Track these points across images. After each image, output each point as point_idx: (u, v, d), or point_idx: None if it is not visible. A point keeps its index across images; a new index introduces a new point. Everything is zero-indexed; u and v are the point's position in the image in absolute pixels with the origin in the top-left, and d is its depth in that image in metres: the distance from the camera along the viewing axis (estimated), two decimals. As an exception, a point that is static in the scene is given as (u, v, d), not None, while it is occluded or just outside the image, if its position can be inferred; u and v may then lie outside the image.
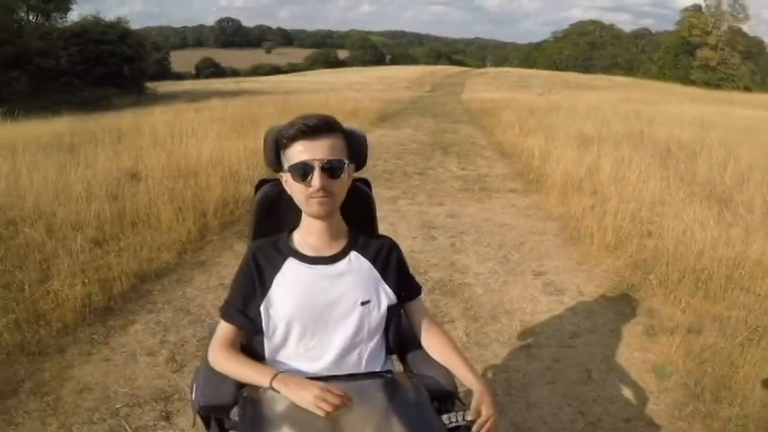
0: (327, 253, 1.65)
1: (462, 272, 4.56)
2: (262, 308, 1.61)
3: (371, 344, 1.63)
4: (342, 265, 1.65)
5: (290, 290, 1.61)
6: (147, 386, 3.00)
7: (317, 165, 1.52)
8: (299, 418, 1.37)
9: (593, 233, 5.12)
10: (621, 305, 3.99)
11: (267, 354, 1.63)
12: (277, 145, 1.65)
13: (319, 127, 1.54)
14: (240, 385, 1.52)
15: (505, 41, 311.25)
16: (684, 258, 4.41)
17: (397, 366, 1.81)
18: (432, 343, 1.69)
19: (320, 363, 1.59)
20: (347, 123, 1.73)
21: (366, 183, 1.97)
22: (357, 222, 1.79)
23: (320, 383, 1.41)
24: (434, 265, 4.63)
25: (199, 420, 1.56)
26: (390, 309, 1.66)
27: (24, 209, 5.50)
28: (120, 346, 3.40)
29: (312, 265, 1.63)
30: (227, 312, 1.66)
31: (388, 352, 1.71)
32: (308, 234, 1.67)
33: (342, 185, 1.60)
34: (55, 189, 6.07)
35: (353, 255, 1.67)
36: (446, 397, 1.58)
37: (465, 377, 1.58)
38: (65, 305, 3.65)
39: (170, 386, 3.00)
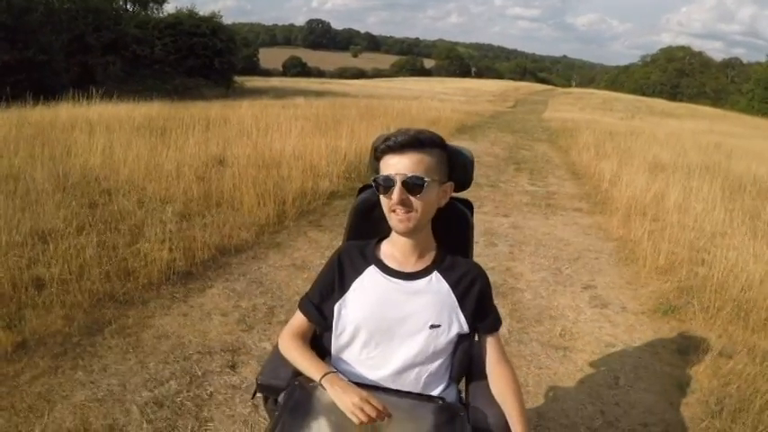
0: (409, 269, 1.72)
1: (516, 278, 4.98)
2: (336, 307, 1.72)
3: (432, 367, 1.67)
4: (421, 283, 1.70)
5: (364, 297, 1.71)
6: (218, 340, 3.59)
7: (398, 179, 1.59)
8: (335, 420, 1.47)
9: (646, 256, 5.38)
10: (660, 324, 4.27)
11: (333, 352, 1.75)
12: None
13: (407, 143, 1.60)
14: (298, 373, 1.66)
15: (593, 62, 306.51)
16: (731, 288, 4.60)
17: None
18: (495, 382, 1.68)
19: (379, 373, 1.67)
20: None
21: (468, 204, 2.03)
22: (450, 242, 1.84)
23: (363, 392, 1.49)
24: (490, 269, 5.01)
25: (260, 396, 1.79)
26: (460, 337, 1.70)
27: (118, 181, 6.44)
28: (198, 305, 4.05)
29: (391, 278, 1.71)
30: (303, 304, 1.80)
31: (451, 378, 1.74)
32: (394, 246, 1.76)
33: (425, 203, 1.63)
34: (146, 166, 6.99)
35: (435, 276, 1.71)
36: None
37: (514, 427, 1.57)
38: (152, 265, 4.37)
39: (238, 342, 3.59)
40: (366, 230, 1.91)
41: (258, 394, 1.76)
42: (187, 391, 3.04)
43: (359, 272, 1.75)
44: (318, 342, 1.80)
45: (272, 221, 5.83)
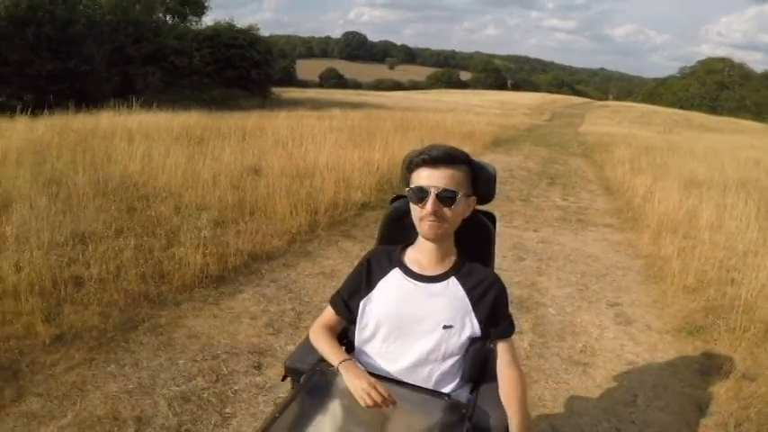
0: (429, 273, 1.89)
1: (541, 293, 5.04)
2: (362, 303, 1.91)
3: (444, 366, 1.82)
4: (438, 286, 1.87)
5: (387, 296, 1.89)
6: (246, 342, 3.78)
7: (432, 191, 1.75)
8: (347, 403, 1.66)
9: (675, 274, 5.38)
10: (684, 344, 4.27)
11: (356, 344, 1.93)
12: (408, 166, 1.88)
13: (441, 158, 1.77)
14: (323, 360, 1.84)
15: (631, 74, 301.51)
16: (760, 309, 4.57)
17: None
18: (503, 386, 1.80)
19: (395, 366, 1.84)
20: (462, 146, 2.13)
21: (490, 217, 2.18)
22: (473, 252, 1.99)
23: (372, 380, 1.66)
24: (516, 283, 5.11)
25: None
26: (472, 339, 1.84)
27: (156, 188, 6.78)
28: (228, 308, 4.25)
29: (412, 280, 1.89)
30: (333, 299, 2.02)
31: (463, 379, 1.88)
32: (419, 251, 1.93)
33: (454, 214, 1.81)
34: (183, 174, 7.31)
35: (452, 280, 1.87)
36: None
37: (512, 430, 1.70)
38: (186, 269, 4.60)
39: (265, 345, 3.77)
40: (396, 236, 2.08)
41: (288, 377, 1.98)
42: (213, 388, 3.21)
43: (384, 273, 1.93)
44: (346, 336, 2.00)
45: (304, 230, 6.04)
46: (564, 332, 4.31)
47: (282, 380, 2.05)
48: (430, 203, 1.76)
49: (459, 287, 1.87)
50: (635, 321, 4.59)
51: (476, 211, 2.03)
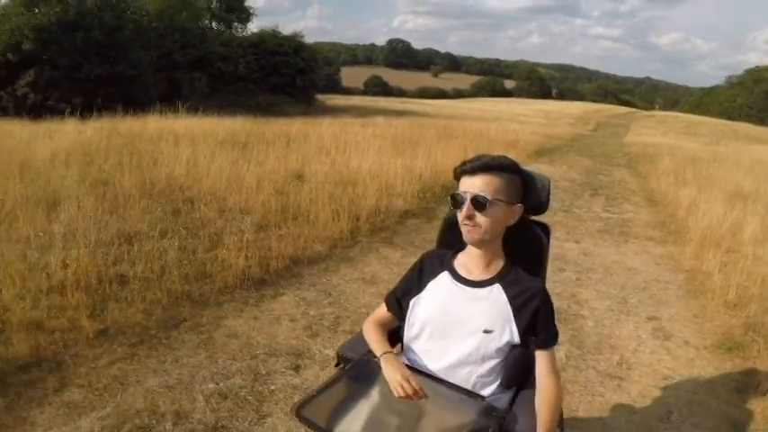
0: (475, 278, 2.00)
1: (580, 304, 5.02)
2: (412, 302, 2.05)
3: (483, 369, 1.91)
4: (482, 292, 1.97)
5: (435, 297, 2.02)
6: (285, 343, 3.87)
7: (467, 197, 1.90)
8: (384, 391, 1.82)
9: (716, 289, 5.30)
10: (722, 360, 4.20)
11: (404, 341, 2.08)
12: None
13: (478, 166, 1.91)
14: (371, 352, 2.01)
15: (677, 83, 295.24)
16: None
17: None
18: (538, 394, 1.86)
19: (437, 365, 1.95)
20: (510, 155, 2.14)
21: (544, 227, 2.24)
22: (524, 261, 2.07)
23: (407, 373, 1.82)
24: (556, 294, 5.00)
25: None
26: (512, 346, 1.93)
27: (201, 191, 6.98)
28: (268, 310, 4.35)
29: (459, 284, 2.00)
30: (387, 296, 2.18)
31: (503, 384, 1.95)
32: (467, 257, 2.05)
33: (490, 219, 1.91)
34: (228, 178, 7.51)
35: (497, 287, 1.96)
36: None
37: None
38: (228, 270, 4.73)
39: (303, 347, 3.84)
40: (452, 241, 2.17)
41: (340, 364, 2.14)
42: (251, 387, 3.30)
43: (434, 275, 2.07)
44: (396, 332, 2.16)
45: (346, 236, 6.12)
46: (601, 345, 4.29)
47: (336, 366, 2.16)
48: (465, 208, 1.91)
49: (503, 294, 1.95)
50: (673, 336, 4.54)
51: (529, 221, 2.16)
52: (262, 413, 3.07)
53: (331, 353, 3.75)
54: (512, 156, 2.13)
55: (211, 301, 4.37)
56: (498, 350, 1.91)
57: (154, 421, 2.92)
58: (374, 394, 1.87)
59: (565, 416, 2.46)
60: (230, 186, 7.21)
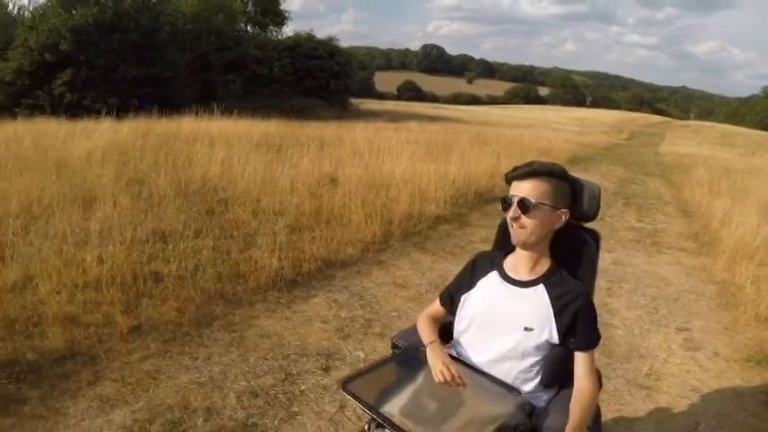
0: (521, 278, 2.10)
1: (611, 313, 5.00)
2: (463, 298, 2.18)
3: (522, 365, 2.01)
4: (526, 291, 2.07)
5: (483, 294, 2.14)
6: (315, 344, 3.92)
7: (514, 200, 2.01)
8: (428, 377, 1.97)
9: (748, 302, 5.25)
10: (752, 374, 4.16)
11: (454, 335, 2.21)
12: None
13: (526, 173, 2.03)
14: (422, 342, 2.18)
15: (712, 93, 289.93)
16: None
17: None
18: (573, 395, 1.95)
19: (480, 358, 2.08)
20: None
21: (593, 234, 2.32)
22: (571, 266, 2.17)
23: (448, 361, 1.99)
24: None
25: None
26: (551, 346, 2.02)
27: (235, 192, 7.10)
28: (300, 311, 4.41)
29: (505, 283, 2.12)
30: (442, 292, 2.33)
31: (542, 383, 2.04)
32: (515, 258, 2.16)
33: (535, 222, 2.02)
34: (262, 180, 7.63)
35: (540, 287, 2.06)
36: None
37: None
38: (261, 271, 4.81)
39: (334, 348, 3.89)
40: (507, 241, 2.23)
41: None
42: (281, 386, 3.36)
43: (484, 274, 2.20)
44: (448, 326, 2.27)
45: (378, 240, 6.17)
46: (631, 354, 4.28)
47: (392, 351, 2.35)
48: (511, 210, 2.02)
49: (546, 294, 2.05)
50: (703, 347, 4.51)
51: (579, 227, 2.27)
52: (292, 412, 3.12)
53: (362, 355, 3.81)
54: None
55: (244, 301, 4.45)
56: (538, 348, 2.00)
57: (185, 416, 2.99)
58: (418, 380, 2.01)
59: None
60: (264, 188, 7.32)
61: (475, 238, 6.88)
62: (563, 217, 2.09)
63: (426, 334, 2.17)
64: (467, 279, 2.23)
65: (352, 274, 5.29)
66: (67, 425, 2.88)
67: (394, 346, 2.34)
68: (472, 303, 2.16)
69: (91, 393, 3.13)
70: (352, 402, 1.92)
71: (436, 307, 2.32)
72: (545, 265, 2.12)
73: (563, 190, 2.09)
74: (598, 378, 2.10)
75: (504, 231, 2.35)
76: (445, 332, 2.25)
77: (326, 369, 3.61)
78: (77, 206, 5.80)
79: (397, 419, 1.77)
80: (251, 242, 5.45)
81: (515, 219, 2.02)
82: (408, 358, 2.14)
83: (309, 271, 5.13)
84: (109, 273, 4.30)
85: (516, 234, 2.05)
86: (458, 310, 2.20)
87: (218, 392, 3.23)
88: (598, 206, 2.25)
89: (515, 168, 2.08)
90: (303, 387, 3.38)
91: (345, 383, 1.92)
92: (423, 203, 7.61)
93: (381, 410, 1.81)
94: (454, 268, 5.59)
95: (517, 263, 2.14)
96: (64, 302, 3.92)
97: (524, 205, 2.00)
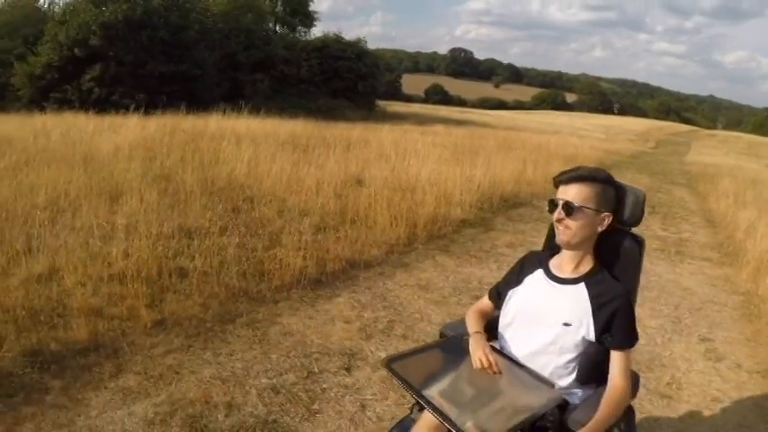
0: (564, 276, 2.22)
1: (634, 321, 4.93)
2: (510, 293, 2.32)
3: (559, 361, 2.11)
4: (568, 289, 2.18)
5: (528, 291, 2.27)
6: (338, 344, 3.94)
7: (560, 203, 2.15)
8: (469, 364, 2.13)
9: None
10: None
11: (499, 328, 2.33)
12: None
13: (571, 177, 2.17)
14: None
15: (740, 103, 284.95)
16: None
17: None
18: (606, 393, 2.01)
19: (520, 351, 2.19)
20: (564, 168, 2.30)
21: (638, 239, 2.35)
22: (614, 267, 2.27)
23: (488, 350, 2.14)
24: None
25: None
26: (587, 343, 2.10)
27: (261, 190, 7.17)
28: (323, 311, 4.44)
29: (549, 280, 2.25)
30: (491, 288, 2.48)
31: (578, 379, 2.13)
32: (560, 258, 2.28)
33: (578, 224, 2.14)
34: (288, 180, 7.69)
35: (581, 285, 2.17)
36: None
37: (583, 429, 1.89)
38: (285, 270, 4.85)
39: (356, 348, 3.91)
40: (555, 241, 2.36)
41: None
42: (302, 384, 3.39)
43: (531, 272, 2.33)
44: (496, 319, 2.39)
45: (403, 242, 6.19)
46: (652, 363, 4.25)
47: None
48: (557, 212, 2.16)
49: (585, 292, 2.16)
50: (725, 358, 4.46)
51: (623, 231, 2.33)
52: (312, 410, 3.15)
53: (383, 355, 3.81)
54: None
55: (268, 299, 4.49)
56: (575, 344, 2.10)
57: (206, 411, 3.02)
58: (459, 366, 2.15)
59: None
60: (290, 187, 7.38)
61: (499, 243, 6.88)
62: (606, 220, 2.19)
63: (471, 325, 2.33)
64: (515, 276, 2.36)
65: (375, 276, 5.31)
66: (89, 416, 2.93)
67: (441, 335, 2.49)
68: (517, 299, 2.28)
69: (113, 385, 3.18)
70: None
71: (485, 301, 2.48)
72: (588, 265, 2.22)
73: (607, 194, 2.20)
74: (635, 381, 2.15)
75: (552, 232, 2.43)
76: (493, 328, 2.38)
77: (348, 368, 3.64)
78: (104, 200, 5.90)
79: (437, 401, 1.87)
80: (276, 240, 5.49)
81: (560, 220, 2.15)
82: (452, 346, 2.29)
83: (333, 271, 5.17)
84: (134, 267, 4.36)
85: (561, 235, 2.18)
86: (503, 305, 2.33)
87: (240, 388, 3.26)
88: (642, 211, 2.32)
89: (562, 173, 2.22)
90: (325, 386, 3.40)
91: (390, 362, 2.07)
92: (448, 207, 7.61)
93: (422, 392, 1.92)
94: (478, 272, 5.73)
95: (562, 262, 2.26)
96: (89, 295, 3.99)
97: (569, 208, 2.13)
